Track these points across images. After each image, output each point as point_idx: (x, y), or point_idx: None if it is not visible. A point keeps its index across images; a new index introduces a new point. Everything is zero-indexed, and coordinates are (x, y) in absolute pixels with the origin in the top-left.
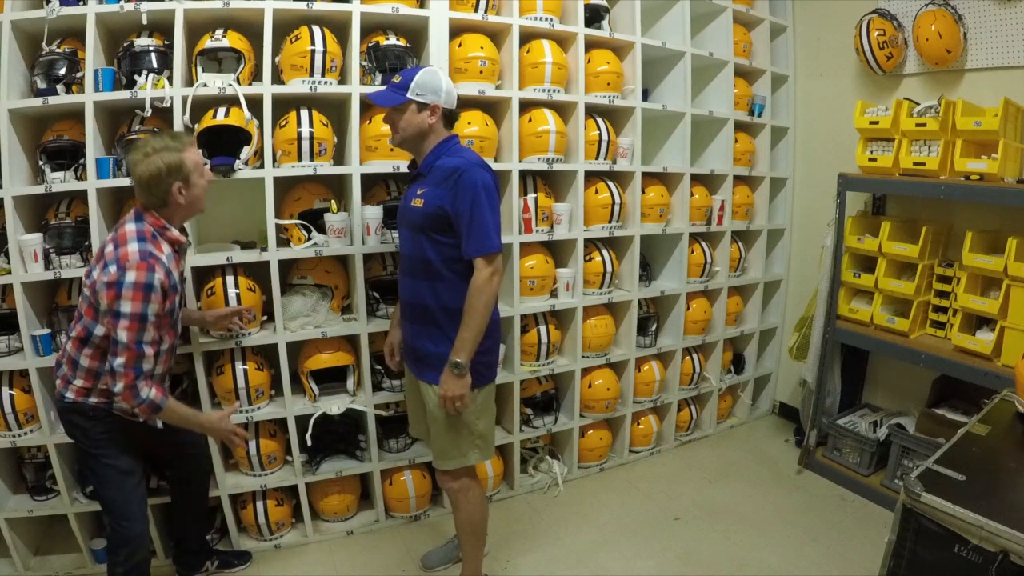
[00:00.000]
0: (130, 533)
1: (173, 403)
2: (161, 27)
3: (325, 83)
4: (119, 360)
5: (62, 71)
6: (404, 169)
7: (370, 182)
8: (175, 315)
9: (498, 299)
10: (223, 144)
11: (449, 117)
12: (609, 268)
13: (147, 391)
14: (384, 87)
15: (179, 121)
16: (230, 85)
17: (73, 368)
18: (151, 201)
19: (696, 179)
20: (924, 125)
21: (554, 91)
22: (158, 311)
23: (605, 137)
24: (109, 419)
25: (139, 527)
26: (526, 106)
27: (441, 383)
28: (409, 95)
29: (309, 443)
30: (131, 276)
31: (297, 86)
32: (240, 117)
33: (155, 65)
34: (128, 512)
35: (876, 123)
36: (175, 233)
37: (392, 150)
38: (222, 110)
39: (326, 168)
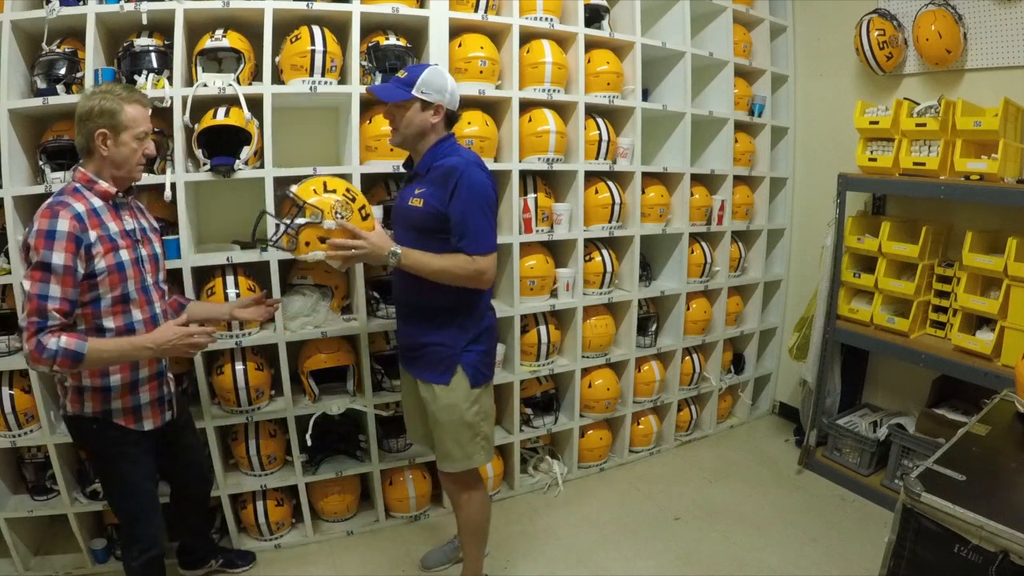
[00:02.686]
0: (140, 534)
1: (97, 344)
2: (161, 27)
3: (325, 83)
4: (23, 315)
5: (62, 71)
6: (403, 169)
7: (370, 182)
8: (127, 275)
9: (496, 296)
10: (223, 144)
11: (450, 118)
12: (609, 268)
13: (55, 341)
14: (387, 81)
15: (179, 121)
16: (230, 85)
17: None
18: (79, 143)
19: (696, 179)
20: (924, 125)
21: (554, 91)
22: (67, 262)
23: (605, 137)
24: (114, 431)
25: (150, 529)
26: (526, 106)
27: (376, 234)
28: (414, 92)
29: (309, 443)
30: (36, 226)
31: (297, 86)
32: (240, 117)
33: (155, 65)
34: (140, 517)
35: (876, 123)
36: (103, 185)
37: (392, 150)
38: (222, 110)
39: (326, 168)
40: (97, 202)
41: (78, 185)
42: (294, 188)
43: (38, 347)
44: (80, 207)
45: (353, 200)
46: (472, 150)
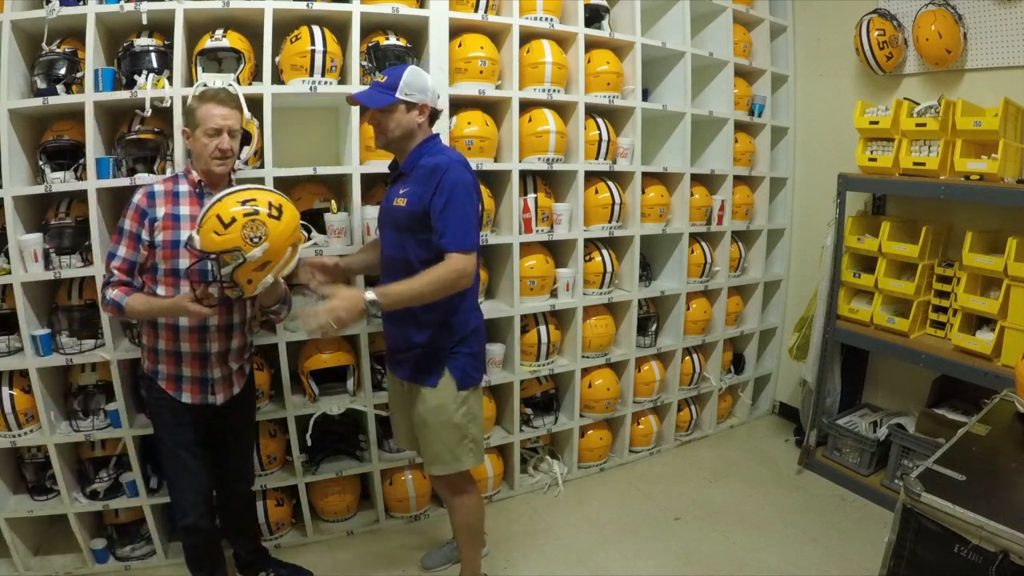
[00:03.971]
0: (177, 500)
1: (132, 300)
2: (161, 27)
3: (325, 83)
4: None
5: (62, 71)
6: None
7: (370, 182)
8: (180, 253)
9: (496, 296)
10: None
11: (433, 116)
12: (609, 268)
13: (111, 293)
14: (367, 87)
15: (179, 121)
16: (230, 85)
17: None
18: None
19: (696, 179)
20: (924, 125)
21: (554, 91)
22: (132, 229)
23: (605, 137)
24: (157, 392)
25: (182, 498)
26: (526, 106)
27: (338, 294)
28: (398, 95)
29: (309, 443)
30: None
31: (297, 86)
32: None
33: (155, 65)
34: (174, 483)
35: (876, 123)
36: (193, 175)
37: None
38: None
39: (326, 168)
40: (184, 187)
41: (178, 172)
42: (196, 239)
43: (102, 295)
44: (160, 188)
45: (256, 212)
46: (458, 150)
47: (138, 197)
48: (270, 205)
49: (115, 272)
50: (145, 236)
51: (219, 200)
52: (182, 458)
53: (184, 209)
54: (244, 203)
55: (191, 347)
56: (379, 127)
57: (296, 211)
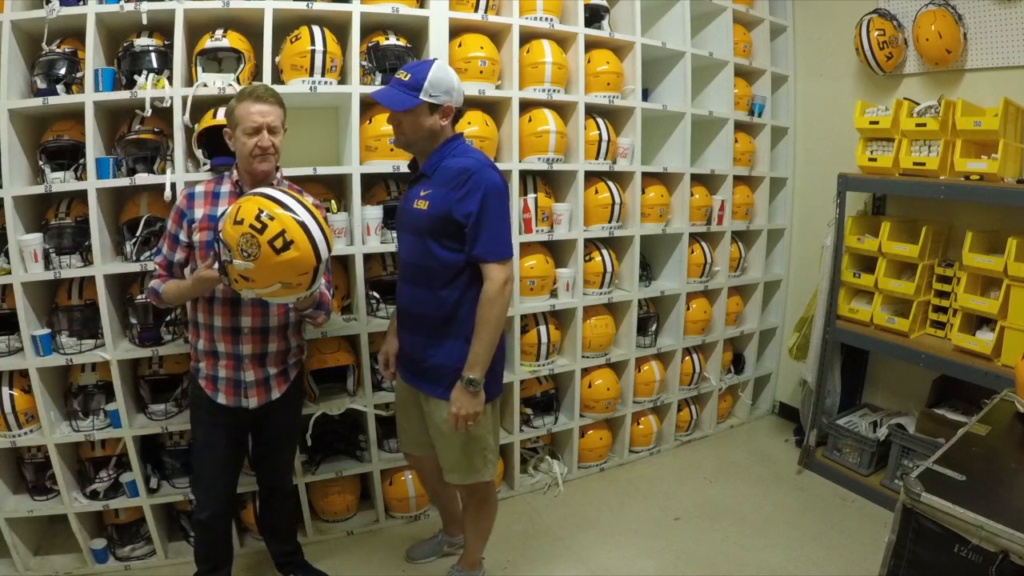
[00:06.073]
0: (196, 493)
1: (168, 285)
2: (161, 27)
3: (325, 83)
4: None
5: (62, 71)
6: (404, 169)
7: (370, 182)
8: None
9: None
10: (223, 144)
11: (457, 116)
12: (609, 268)
13: (151, 283)
14: (388, 85)
15: (179, 121)
16: (230, 85)
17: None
18: None
19: (696, 179)
20: (924, 125)
21: (554, 91)
22: (172, 230)
23: (605, 137)
24: (196, 388)
25: (201, 495)
26: (526, 106)
27: (453, 400)
28: (422, 96)
29: (309, 443)
30: None
31: (297, 86)
32: None
33: (155, 65)
34: (197, 479)
35: (876, 123)
36: (235, 174)
37: (392, 150)
38: (222, 110)
39: (326, 168)
40: (226, 187)
41: (225, 172)
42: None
43: (146, 286)
44: (201, 188)
45: (262, 230)
46: (482, 151)
47: (179, 200)
48: (282, 234)
49: (156, 267)
50: (183, 237)
51: (258, 194)
52: (209, 459)
53: (222, 209)
54: (261, 214)
55: (225, 347)
56: (399, 128)
57: (312, 259)
